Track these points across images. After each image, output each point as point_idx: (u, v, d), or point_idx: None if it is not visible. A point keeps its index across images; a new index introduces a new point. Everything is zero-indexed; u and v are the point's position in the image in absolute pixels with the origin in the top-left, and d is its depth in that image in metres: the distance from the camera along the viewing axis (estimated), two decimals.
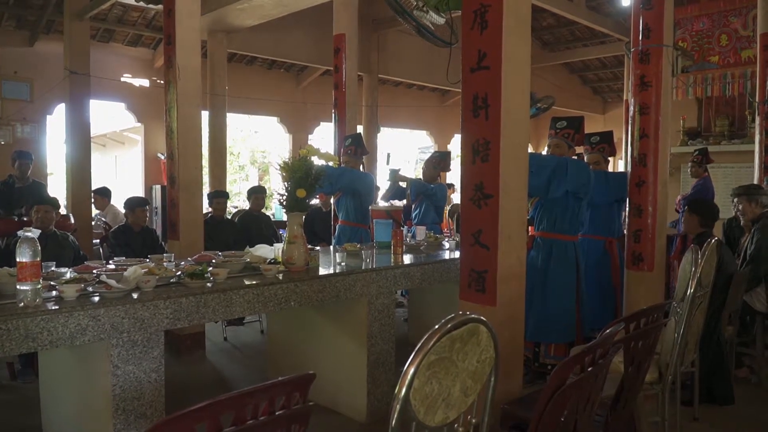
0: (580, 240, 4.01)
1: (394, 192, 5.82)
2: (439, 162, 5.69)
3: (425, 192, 5.44)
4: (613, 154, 4.63)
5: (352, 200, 5.00)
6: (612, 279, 4.37)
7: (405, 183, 5.67)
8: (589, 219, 4.30)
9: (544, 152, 4.31)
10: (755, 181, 5.90)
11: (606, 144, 4.48)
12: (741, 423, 3.31)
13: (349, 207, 5.01)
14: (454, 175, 13.39)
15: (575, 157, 4.08)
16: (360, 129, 9.44)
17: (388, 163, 6.21)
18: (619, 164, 13.85)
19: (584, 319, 3.91)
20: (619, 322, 1.91)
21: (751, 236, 3.98)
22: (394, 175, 5.70)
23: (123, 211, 6.62)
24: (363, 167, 5.44)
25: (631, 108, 3.91)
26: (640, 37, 3.82)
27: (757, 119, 6.32)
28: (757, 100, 6.37)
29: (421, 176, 6.01)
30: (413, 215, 5.67)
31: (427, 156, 6.62)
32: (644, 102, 3.80)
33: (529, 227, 3.86)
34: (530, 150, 3.18)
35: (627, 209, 4.05)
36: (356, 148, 5.01)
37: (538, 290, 3.78)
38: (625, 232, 4.16)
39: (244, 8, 7.19)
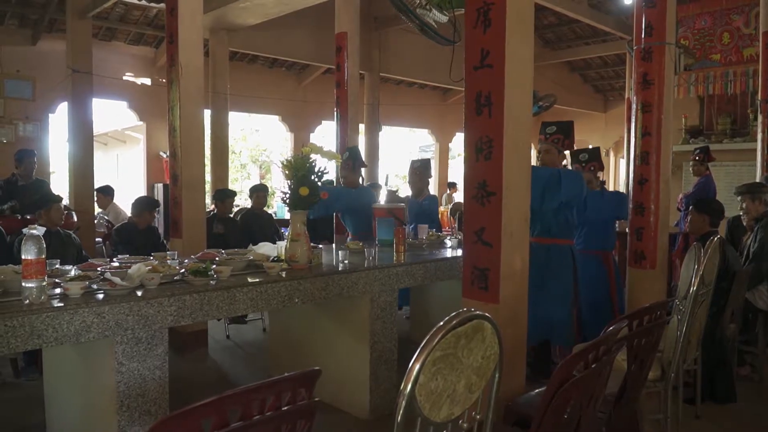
0: (577, 255, 4.00)
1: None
2: (417, 170, 5.50)
3: (419, 212, 5.31)
4: (602, 169, 4.67)
5: (356, 217, 4.90)
6: (609, 292, 4.37)
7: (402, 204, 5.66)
8: (585, 235, 4.32)
9: (533, 154, 4.28)
10: (757, 179, 5.90)
11: (595, 162, 4.50)
12: (743, 421, 3.32)
13: (356, 223, 4.92)
14: (456, 174, 13.41)
15: (565, 162, 4.06)
16: (361, 127, 9.44)
17: (386, 183, 6.31)
18: (620, 163, 13.86)
19: (583, 326, 3.89)
20: (623, 319, 1.91)
21: (754, 234, 3.98)
22: (392, 197, 5.71)
23: (125, 209, 6.65)
24: (362, 180, 5.34)
25: (634, 106, 3.91)
26: (643, 35, 3.82)
27: (759, 117, 6.32)
28: (759, 98, 6.36)
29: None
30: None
31: (426, 154, 6.63)
32: (647, 100, 3.80)
33: None
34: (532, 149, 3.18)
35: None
36: (354, 162, 4.90)
37: (537, 294, 3.62)
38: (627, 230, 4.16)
39: (246, 7, 7.20)
